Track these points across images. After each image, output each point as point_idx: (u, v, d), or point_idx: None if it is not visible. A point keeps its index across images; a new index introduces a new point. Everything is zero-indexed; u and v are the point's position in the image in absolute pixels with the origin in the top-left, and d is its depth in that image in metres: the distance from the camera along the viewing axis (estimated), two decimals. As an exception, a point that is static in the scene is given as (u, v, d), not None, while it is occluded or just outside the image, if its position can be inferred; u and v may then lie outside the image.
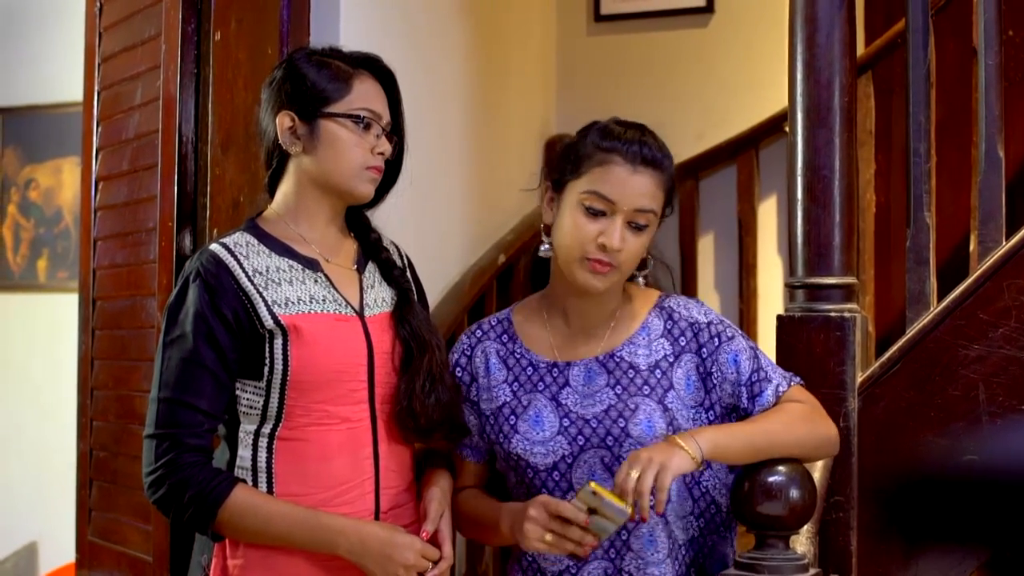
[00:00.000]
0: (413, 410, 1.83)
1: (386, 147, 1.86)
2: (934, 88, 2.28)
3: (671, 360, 1.88)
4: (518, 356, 1.92)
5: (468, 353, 1.95)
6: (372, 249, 1.95)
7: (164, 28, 2.51)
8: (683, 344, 1.89)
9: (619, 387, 1.86)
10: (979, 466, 2.10)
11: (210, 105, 2.46)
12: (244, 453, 1.79)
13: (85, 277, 2.78)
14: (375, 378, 1.83)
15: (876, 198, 3.18)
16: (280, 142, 1.84)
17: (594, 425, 1.83)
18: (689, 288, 3.75)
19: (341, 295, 1.85)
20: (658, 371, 1.87)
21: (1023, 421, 2.08)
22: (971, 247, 2.28)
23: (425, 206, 3.00)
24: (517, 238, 3.42)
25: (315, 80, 1.82)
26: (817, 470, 2.01)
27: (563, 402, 1.86)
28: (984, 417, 2.10)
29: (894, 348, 2.17)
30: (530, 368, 1.91)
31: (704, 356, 1.89)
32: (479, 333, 1.97)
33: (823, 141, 2.16)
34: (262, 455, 1.79)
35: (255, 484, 1.77)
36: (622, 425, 1.83)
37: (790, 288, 2.21)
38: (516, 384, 1.90)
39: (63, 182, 4.48)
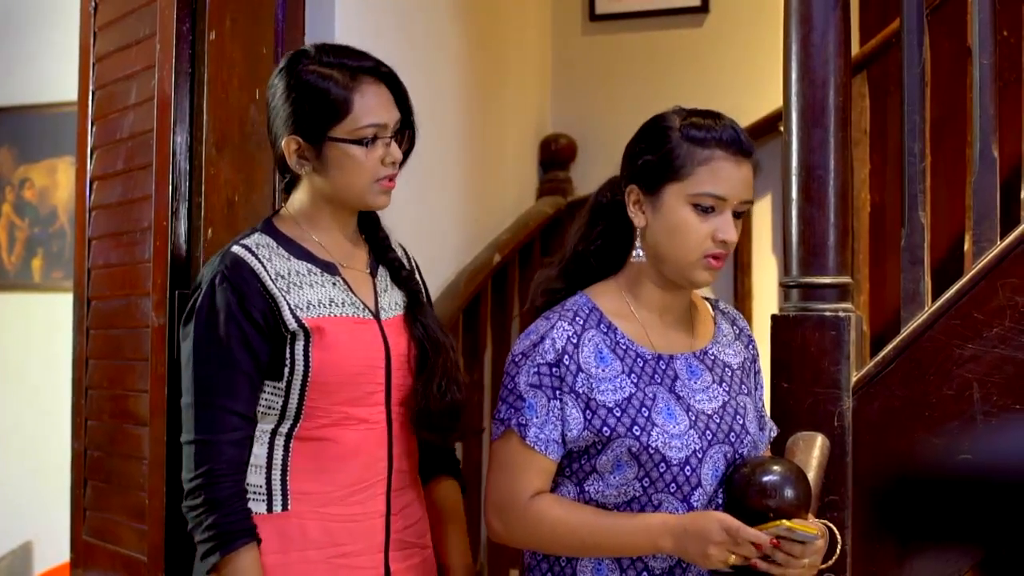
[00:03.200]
0: (430, 411, 1.84)
1: (397, 155, 1.85)
2: (929, 88, 2.28)
3: (748, 364, 1.93)
4: (624, 347, 1.82)
5: (575, 341, 1.79)
6: (381, 249, 1.95)
7: (159, 28, 2.50)
8: (750, 352, 1.94)
9: (725, 384, 1.86)
10: (973, 465, 2.11)
11: (205, 105, 2.45)
12: (259, 451, 1.80)
13: (79, 276, 2.77)
14: (392, 380, 1.84)
15: (871, 197, 3.19)
16: (290, 165, 1.84)
17: (717, 421, 1.82)
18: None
19: (358, 298, 1.86)
20: (744, 372, 1.91)
21: (1017, 420, 2.09)
22: (965, 247, 2.28)
23: (420, 206, 3.00)
24: (512, 238, 3.41)
25: (316, 102, 1.80)
26: (812, 470, 2.02)
27: (681, 395, 1.82)
28: (978, 416, 2.10)
29: (889, 347, 2.17)
30: (640, 360, 1.82)
31: (756, 372, 1.95)
32: (579, 320, 1.82)
33: (818, 141, 2.16)
34: (278, 453, 1.80)
35: (269, 481, 1.78)
36: (741, 423, 1.84)
37: (785, 287, 2.21)
38: (634, 376, 1.80)
39: (58, 182, 4.46)
